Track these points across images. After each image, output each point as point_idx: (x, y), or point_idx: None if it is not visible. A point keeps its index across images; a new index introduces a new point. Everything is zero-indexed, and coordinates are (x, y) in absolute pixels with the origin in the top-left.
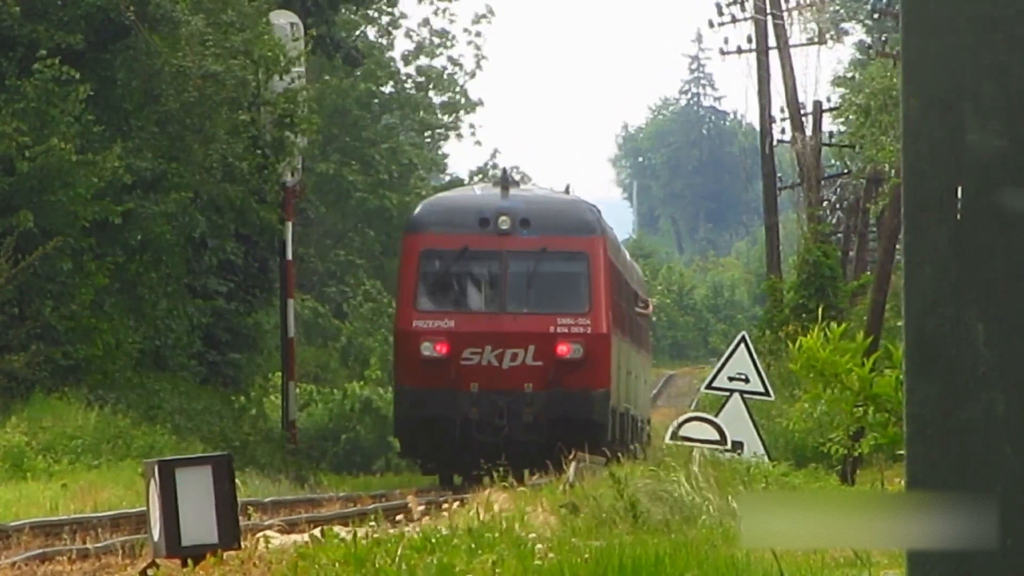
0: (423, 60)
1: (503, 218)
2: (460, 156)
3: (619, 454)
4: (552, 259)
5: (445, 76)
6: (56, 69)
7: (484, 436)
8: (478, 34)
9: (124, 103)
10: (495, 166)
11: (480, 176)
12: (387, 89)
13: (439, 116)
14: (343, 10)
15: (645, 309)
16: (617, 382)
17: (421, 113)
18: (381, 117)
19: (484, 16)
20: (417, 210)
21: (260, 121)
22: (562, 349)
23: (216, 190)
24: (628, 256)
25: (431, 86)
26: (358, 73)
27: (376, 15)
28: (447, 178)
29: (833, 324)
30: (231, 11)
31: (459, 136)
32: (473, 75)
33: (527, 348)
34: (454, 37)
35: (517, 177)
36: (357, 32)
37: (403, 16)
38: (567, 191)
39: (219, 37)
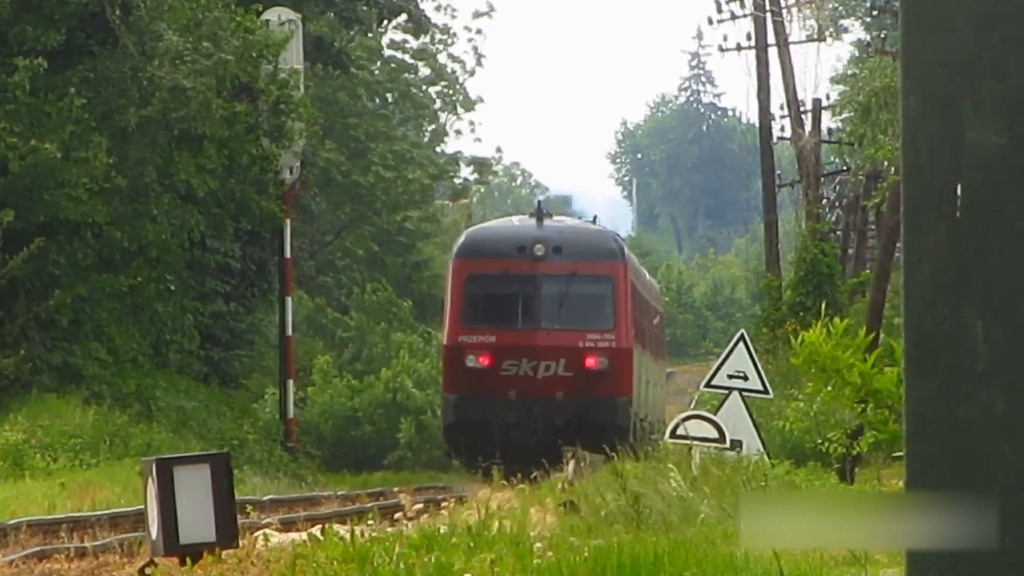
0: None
1: (538, 246)
2: (460, 150)
3: (617, 451)
4: (581, 282)
5: (447, 72)
6: (36, 65)
7: (520, 438)
8: (478, 31)
9: (109, 104)
10: (498, 161)
11: (480, 169)
12: (381, 83)
13: (434, 107)
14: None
15: (660, 322)
16: (638, 390)
17: (416, 92)
18: (375, 108)
19: (485, 13)
20: (462, 239)
21: (251, 110)
22: (590, 361)
23: (213, 185)
24: (647, 275)
25: (425, 64)
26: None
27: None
28: (443, 159)
29: (836, 320)
30: (205, 27)
31: (458, 133)
32: (473, 73)
33: (559, 360)
34: (455, 34)
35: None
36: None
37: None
38: (594, 222)
39: (194, 45)
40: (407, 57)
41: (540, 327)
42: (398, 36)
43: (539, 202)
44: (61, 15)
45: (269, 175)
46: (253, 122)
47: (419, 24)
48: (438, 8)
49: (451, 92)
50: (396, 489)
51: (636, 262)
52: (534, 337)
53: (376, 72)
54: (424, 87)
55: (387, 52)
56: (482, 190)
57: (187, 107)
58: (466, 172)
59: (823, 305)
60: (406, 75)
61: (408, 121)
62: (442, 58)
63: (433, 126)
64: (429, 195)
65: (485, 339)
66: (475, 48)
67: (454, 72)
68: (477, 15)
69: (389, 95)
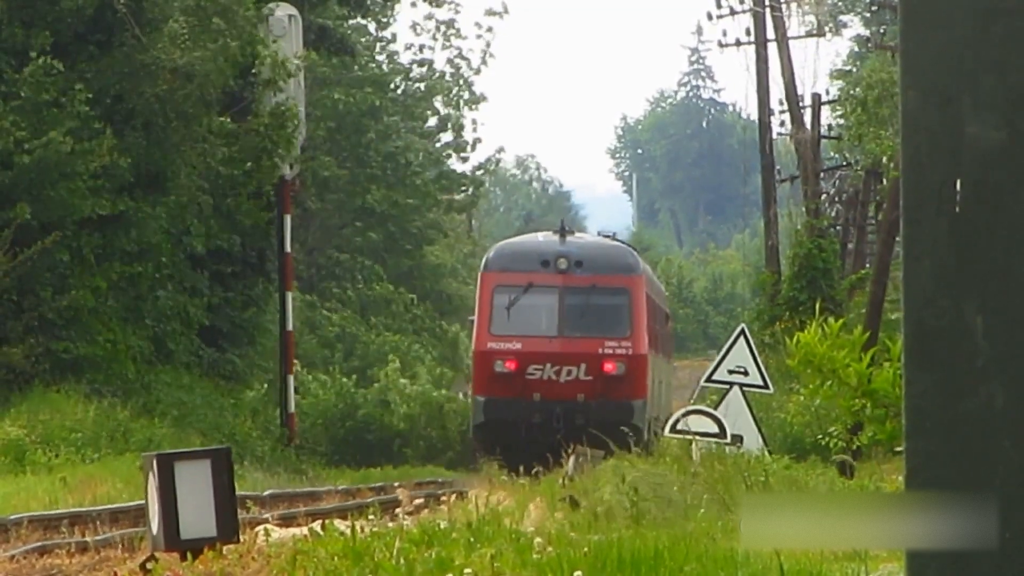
0: (428, 51)
1: (561, 260)
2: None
3: (617, 447)
4: (600, 293)
5: (449, 74)
6: (47, 64)
7: (544, 437)
8: (489, 29)
9: (113, 98)
10: (498, 161)
11: (482, 171)
12: (391, 87)
13: (441, 122)
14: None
15: (667, 323)
16: (652, 392)
17: (423, 110)
18: (383, 119)
19: (498, 13)
20: (491, 253)
21: (250, 125)
22: (608, 366)
23: (204, 191)
24: (659, 283)
25: (432, 93)
26: (358, 71)
27: (373, 11)
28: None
29: (831, 319)
30: (219, 20)
31: (462, 157)
32: (478, 71)
33: (580, 365)
34: (459, 29)
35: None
36: (350, 26)
37: (395, 13)
38: (614, 238)
39: (199, 31)
40: (413, 54)
41: (563, 335)
42: (404, 36)
43: (562, 220)
44: (53, 16)
45: (264, 187)
46: (251, 144)
47: None
48: (440, 4)
49: (460, 87)
50: (396, 484)
51: (650, 272)
52: (557, 344)
53: (381, 67)
54: (424, 87)
55: (392, 48)
56: (488, 183)
57: (191, 85)
58: (466, 172)
59: (819, 302)
60: (412, 79)
61: (414, 133)
62: (447, 55)
63: (435, 119)
64: (435, 203)
65: (512, 346)
66: (487, 44)
67: (458, 68)
68: (491, 13)
69: (389, 105)
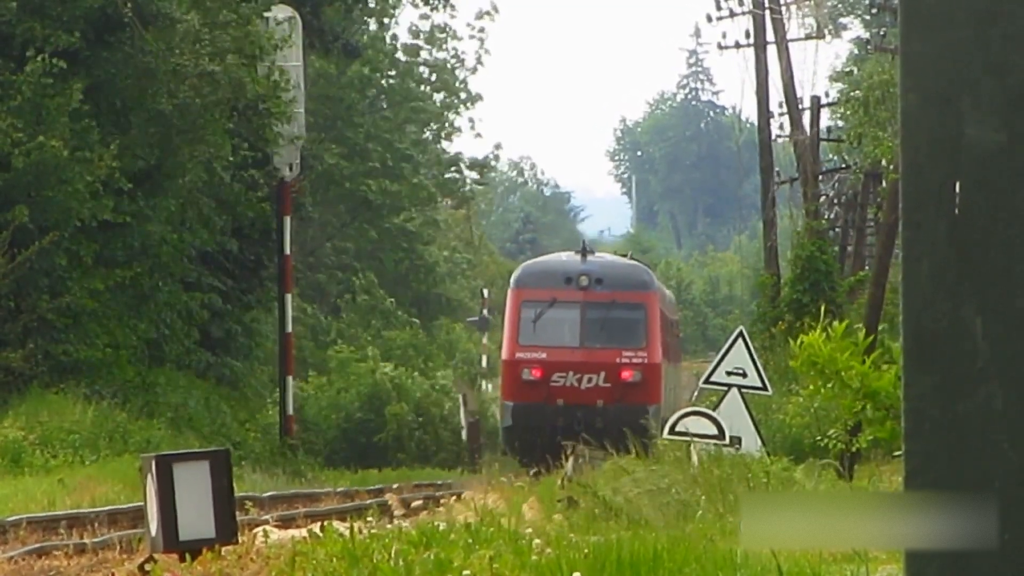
0: (425, 51)
1: (583, 277)
2: (461, 150)
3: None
4: (619, 308)
5: (447, 67)
6: (47, 63)
7: (567, 439)
8: (481, 30)
9: (116, 100)
10: (496, 158)
11: (481, 171)
12: (388, 80)
13: (439, 110)
14: (336, 5)
15: (676, 330)
16: (665, 397)
17: (420, 94)
18: (378, 109)
19: (488, 13)
20: (518, 271)
21: (248, 116)
22: (626, 374)
23: (205, 185)
24: (671, 295)
25: (433, 77)
26: (360, 68)
27: (374, 6)
28: (445, 163)
29: (835, 322)
30: (227, 11)
31: (458, 130)
32: (474, 71)
33: (599, 373)
34: (455, 31)
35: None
36: (355, 25)
37: (398, 8)
38: (631, 257)
39: (214, 35)
40: (418, 57)
41: (584, 346)
42: (402, 34)
43: (583, 241)
44: (70, 16)
45: (260, 179)
46: (242, 125)
47: None
48: (435, 8)
49: (451, 94)
50: (396, 486)
51: (664, 288)
52: (579, 354)
53: (383, 64)
54: (425, 87)
55: (396, 49)
56: (482, 189)
57: (220, 90)
58: (467, 173)
59: (822, 306)
60: (410, 79)
61: (410, 122)
62: (443, 55)
63: (435, 125)
64: (433, 201)
65: (538, 356)
66: (480, 43)
67: (454, 68)
68: (480, 15)
69: (387, 95)
